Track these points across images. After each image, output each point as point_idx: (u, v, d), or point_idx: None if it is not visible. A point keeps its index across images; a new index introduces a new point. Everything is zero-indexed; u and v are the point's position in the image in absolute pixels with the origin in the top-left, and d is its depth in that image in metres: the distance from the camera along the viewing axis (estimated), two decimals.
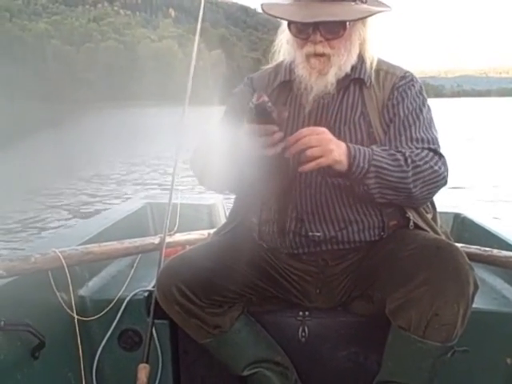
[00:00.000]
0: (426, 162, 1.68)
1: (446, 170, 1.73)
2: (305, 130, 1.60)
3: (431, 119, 1.82)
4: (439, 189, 1.73)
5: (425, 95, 1.83)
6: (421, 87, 1.84)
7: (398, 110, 1.77)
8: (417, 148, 1.71)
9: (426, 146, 1.73)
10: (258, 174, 1.61)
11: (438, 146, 1.76)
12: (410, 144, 1.73)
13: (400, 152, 1.68)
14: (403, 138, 1.74)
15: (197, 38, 2.14)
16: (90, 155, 14.52)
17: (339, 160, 1.60)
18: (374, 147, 1.68)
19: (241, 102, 1.84)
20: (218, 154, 1.65)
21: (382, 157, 1.64)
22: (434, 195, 1.76)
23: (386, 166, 1.63)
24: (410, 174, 1.65)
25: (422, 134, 1.76)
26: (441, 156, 1.73)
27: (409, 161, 1.66)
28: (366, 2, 1.73)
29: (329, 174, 1.70)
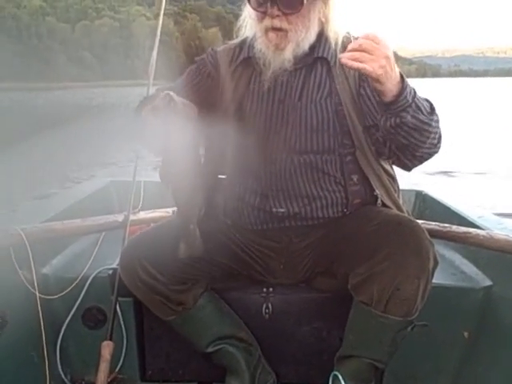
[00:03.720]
0: (438, 116, 1.65)
1: None
2: (369, 35, 1.48)
3: None
4: (438, 148, 1.69)
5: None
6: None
7: None
8: None
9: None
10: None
11: None
12: None
13: (426, 99, 1.63)
14: None
15: (161, 14, 2.13)
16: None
17: (383, 81, 1.49)
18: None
19: (199, 70, 1.88)
20: None
21: (421, 98, 1.59)
22: (431, 155, 1.70)
23: (421, 107, 1.58)
24: (434, 122, 1.62)
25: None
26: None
27: (434, 108, 1.62)
28: None
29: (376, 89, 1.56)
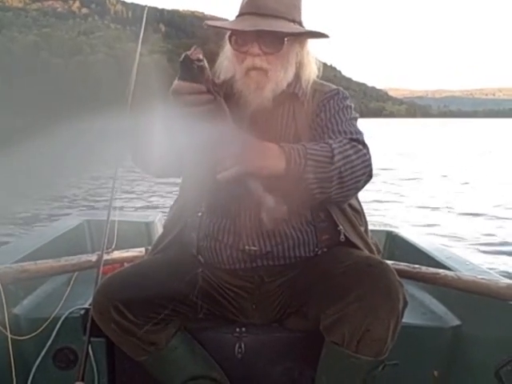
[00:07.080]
0: (352, 147, 1.66)
1: (370, 157, 1.70)
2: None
3: (355, 120, 1.85)
4: (366, 177, 1.69)
5: (348, 103, 1.87)
6: (345, 97, 1.88)
7: (321, 115, 1.82)
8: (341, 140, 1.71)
9: (349, 136, 1.74)
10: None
11: (362, 137, 1.76)
12: (333, 136, 1.75)
13: (327, 143, 1.67)
14: (326, 135, 1.77)
15: (139, 45, 2.18)
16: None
17: (265, 165, 1.55)
18: (304, 143, 1.65)
19: None
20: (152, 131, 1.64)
21: (315, 149, 1.62)
22: (362, 184, 1.70)
23: (320, 158, 1.61)
24: (341, 163, 1.63)
25: (344, 127, 1.79)
26: (364, 144, 1.72)
27: (336, 150, 1.63)
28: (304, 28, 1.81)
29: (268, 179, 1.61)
